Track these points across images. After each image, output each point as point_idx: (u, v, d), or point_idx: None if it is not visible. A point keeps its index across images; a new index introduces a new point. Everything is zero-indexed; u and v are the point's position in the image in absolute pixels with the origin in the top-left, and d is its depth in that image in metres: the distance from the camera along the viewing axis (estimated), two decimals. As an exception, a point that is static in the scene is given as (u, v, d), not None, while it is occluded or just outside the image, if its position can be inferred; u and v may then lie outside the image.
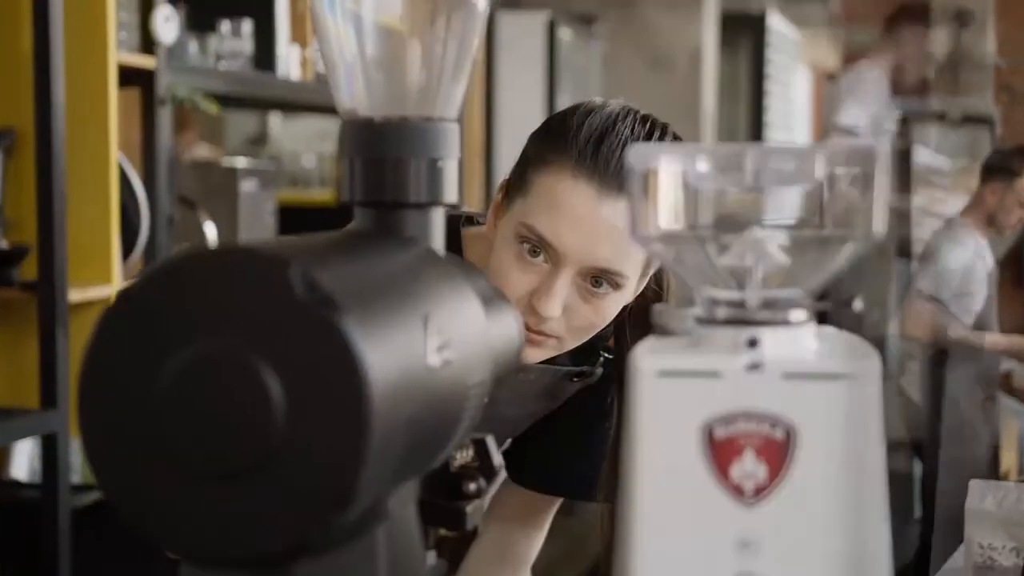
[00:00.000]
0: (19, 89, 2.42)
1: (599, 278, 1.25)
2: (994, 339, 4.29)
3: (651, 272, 1.33)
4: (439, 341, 0.71)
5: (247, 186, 3.04)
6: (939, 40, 9.55)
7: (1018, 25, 9.97)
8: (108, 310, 0.64)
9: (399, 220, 0.82)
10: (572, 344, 1.30)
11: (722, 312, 0.71)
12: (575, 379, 1.43)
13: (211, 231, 2.91)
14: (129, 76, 2.63)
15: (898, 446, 4.10)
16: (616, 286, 1.26)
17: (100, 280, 2.50)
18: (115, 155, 2.50)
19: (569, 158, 1.24)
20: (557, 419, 1.47)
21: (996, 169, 4.14)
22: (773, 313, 0.71)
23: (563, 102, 6.01)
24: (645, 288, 1.35)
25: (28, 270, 2.40)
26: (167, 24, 2.65)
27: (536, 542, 1.60)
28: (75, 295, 2.42)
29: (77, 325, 2.44)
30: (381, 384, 0.62)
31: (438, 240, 0.84)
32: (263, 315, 0.62)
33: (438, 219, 0.84)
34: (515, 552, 1.59)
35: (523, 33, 4.81)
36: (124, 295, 0.63)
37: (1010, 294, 9.95)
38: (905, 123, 4.57)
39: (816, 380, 0.68)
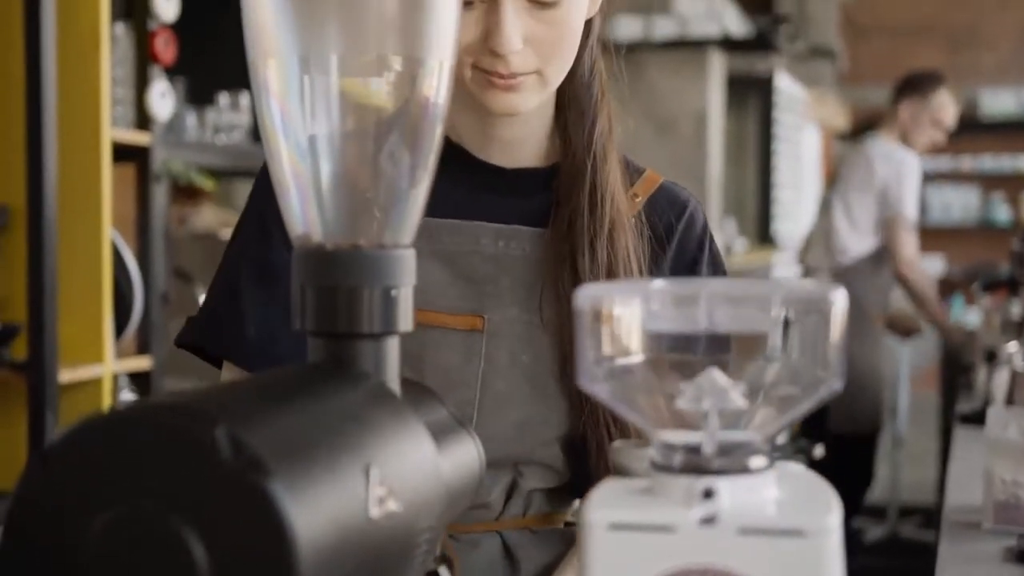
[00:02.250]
0: (12, 166, 2.41)
1: None
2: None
3: None
4: (382, 491, 0.68)
5: (245, 258, 3.01)
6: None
7: None
8: (29, 470, 0.61)
9: (352, 351, 0.80)
10: (556, 75, 1.19)
11: (678, 459, 0.68)
12: None
13: (207, 305, 2.89)
14: (124, 152, 2.62)
15: None
16: None
17: (92, 359, 2.48)
18: (108, 232, 2.49)
19: None
20: None
21: (911, 88, 4.38)
22: (731, 460, 0.68)
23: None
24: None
25: (18, 349, 2.38)
26: (163, 100, 2.64)
27: None
28: (66, 375, 2.40)
29: (68, 406, 2.42)
30: (312, 548, 0.60)
31: (392, 370, 0.81)
32: (188, 477, 0.60)
33: (393, 349, 0.81)
34: None
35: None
36: (44, 455, 0.61)
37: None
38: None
39: (773, 536, 0.65)
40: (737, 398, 0.69)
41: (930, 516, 5.20)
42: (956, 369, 4.83)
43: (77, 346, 2.48)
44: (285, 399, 0.70)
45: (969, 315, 8.49)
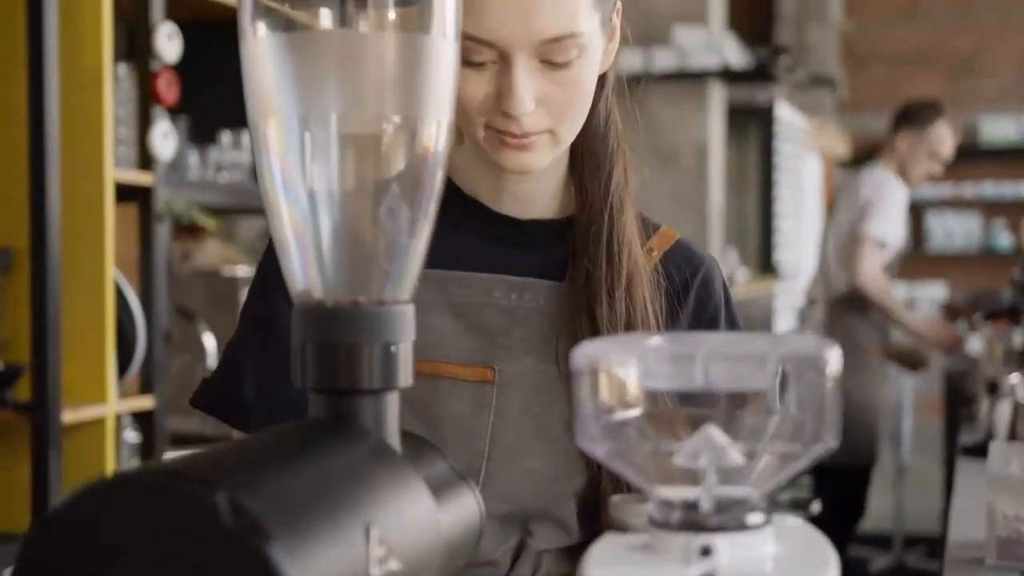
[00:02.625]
0: (16, 207, 2.42)
1: (555, 50, 1.12)
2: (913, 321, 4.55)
3: (615, 15, 1.22)
4: (383, 551, 0.69)
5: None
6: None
7: None
8: (31, 533, 0.62)
9: (353, 407, 0.81)
10: (568, 133, 1.18)
11: (675, 516, 0.69)
12: None
13: (210, 343, 2.90)
14: (127, 192, 2.63)
15: None
16: (578, 49, 1.13)
17: (95, 400, 2.48)
18: (111, 273, 2.50)
19: None
20: None
21: (908, 119, 4.39)
22: (728, 517, 0.68)
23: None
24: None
25: (22, 390, 2.39)
26: (165, 140, 2.66)
27: None
28: (69, 416, 2.40)
29: (71, 446, 2.42)
30: (313, 611, 0.60)
31: (392, 425, 0.82)
32: (189, 542, 0.60)
33: (393, 404, 0.82)
34: None
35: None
36: (47, 519, 0.61)
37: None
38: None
39: (771, 594, 0.65)
40: (734, 455, 0.69)
41: (935, 545, 5.19)
42: (959, 398, 4.82)
43: (80, 386, 2.48)
44: (285, 459, 0.70)
45: (972, 342, 8.48)
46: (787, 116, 7.55)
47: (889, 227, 4.30)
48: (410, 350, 0.83)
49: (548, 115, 1.15)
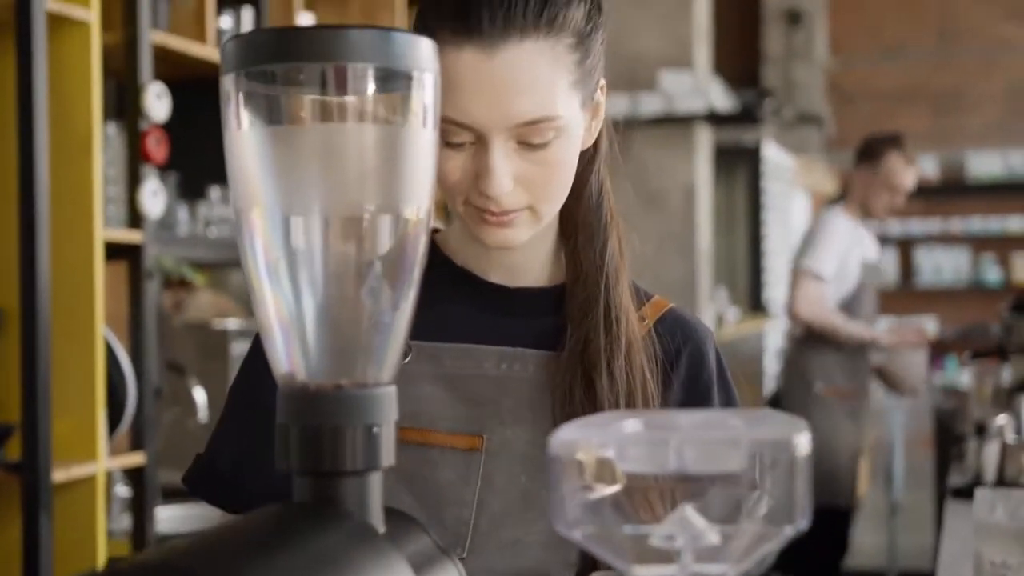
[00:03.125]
0: (5, 267, 2.44)
1: (532, 133, 1.13)
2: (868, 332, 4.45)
3: (599, 92, 1.22)
4: (365, 635, 0.70)
5: (238, 348, 3.05)
6: (772, 39, 9.69)
7: (849, 26, 10.12)
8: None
9: (336, 488, 0.82)
10: (549, 210, 1.18)
11: (652, 597, 0.71)
12: None
13: (200, 397, 2.91)
14: (117, 250, 2.65)
15: None
16: (555, 131, 1.14)
17: (85, 458, 2.49)
18: (101, 331, 2.51)
19: (445, 30, 1.12)
20: None
21: (863, 155, 4.41)
22: (704, 597, 0.70)
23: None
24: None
25: (12, 449, 2.39)
26: (154, 198, 2.68)
27: None
28: (60, 474, 2.41)
29: (62, 505, 2.43)
30: None
31: (375, 505, 0.83)
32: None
33: (376, 484, 0.84)
34: None
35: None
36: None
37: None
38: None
39: (745, 674, 0.67)
40: (711, 535, 0.71)
41: (929, 584, 5.18)
42: (949, 436, 4.82)
43: (71, 445, 2.49)
44: (269, 545, 0.72)
45: (962, 376, 8.50)
46: (774, 156, 7.60)
47: (826, 260, 4.30)
48: (392, 430, 0.84)
49: (527, 193, 1.16)
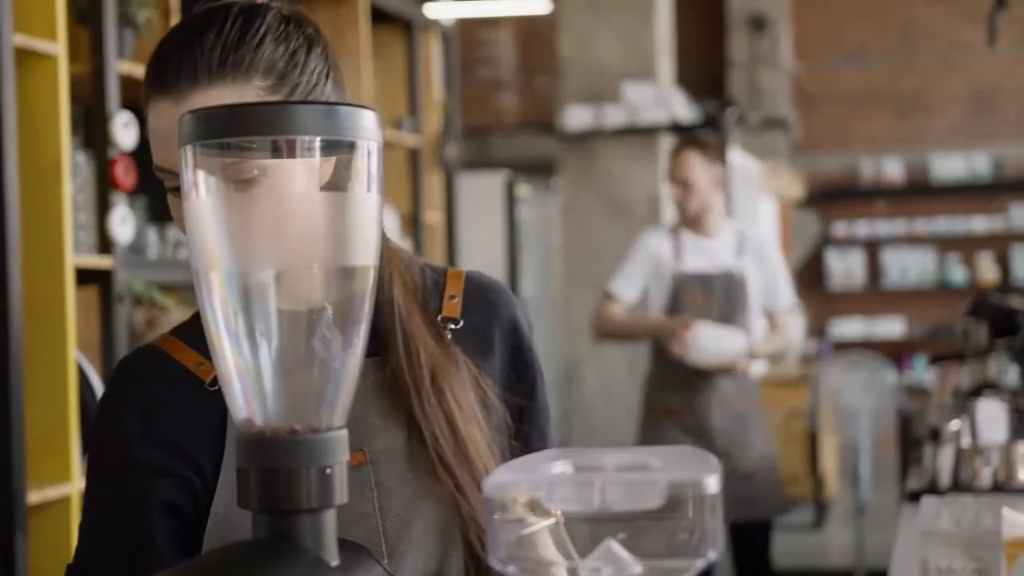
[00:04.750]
0: (-22, 294, 2.49)
1: (237, 173, 1.10)
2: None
3: None
4: (318, 665, 0.77)
5: (208, 367, 3.10)
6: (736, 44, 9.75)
7: (812, 31, 10.27)
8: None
9: (292, 526, 0.89)
10: None
11: (578, 625, 0.78)
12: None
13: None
14: (87, 275, 2.71)
15: None
16: (261, 170, 1.10)
17: (59, 479, 2.55)
18: (73, 355, 2.57)
19: (151, 89, 1.21)
20: None
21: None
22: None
23: (524, 256, 6.14)
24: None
25: (-14, 473, 2.45)
26: (123, 225, 2.74)
27: None
28: (34, 496, 2.47)
29: (36, 526, 2.48)
30: None
31: (330, 539, 0.90)
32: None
33: (330, 520, 0.90)
34: None
35: (483, 191, 4.94)
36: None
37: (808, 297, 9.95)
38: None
39: None
40: (633, 566, 0.78)
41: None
42: (912, 436, 4.89)
43: (44, 467, 2.55)
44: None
45: (929, 375, 8.60)
46: (739, 162, 7.69)
47: (622, 281, 4.12)
48: (345, 469, 0.91)
49: None
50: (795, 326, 4.27)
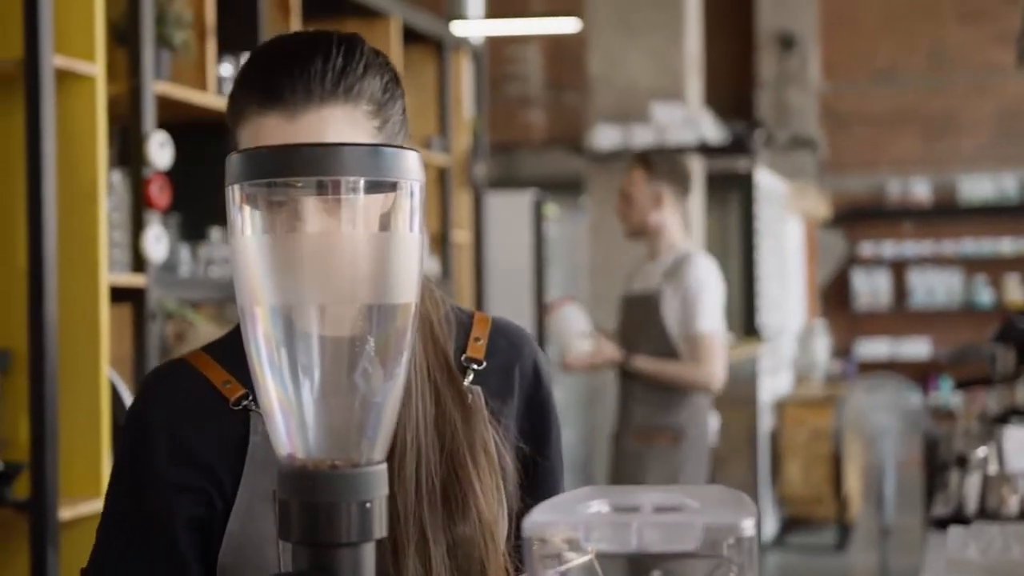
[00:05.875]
0: (14, 311, 2.52)
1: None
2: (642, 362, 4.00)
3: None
4: None
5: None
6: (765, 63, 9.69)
7: (841, 51, 10.23)
8: None
9: (332, 559, 0.91)
10: None
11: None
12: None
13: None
14: (121, 293, 2.74)
15: None
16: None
17: (92, 496, 2.58)
18: (106, 372, 2.60)
19: (252, 103, 1.21)
20: None
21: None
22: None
23: (551, 273, 6.16)
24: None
25: (20, 488, 2.47)
26: (157, 243, 2.77)
27: None
28: (66, 512, 2.49)
29: (68, 543, 2.50)
30: None
31: (368, 572, 0.92)
32: None
33: (369, 554, 0.92)
34: None
35: (511, 210, 4.96)
36: None
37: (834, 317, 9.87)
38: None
39: None
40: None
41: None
42: (938, 459, 4.85)
43: (77, 483, 2.57)
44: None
45: (955, 397, 8.56)
46: (767, 182, 7.69)
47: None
48: (384, 503, 0.93)
49: None
50: (717, 360, 3.99)
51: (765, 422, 7.31)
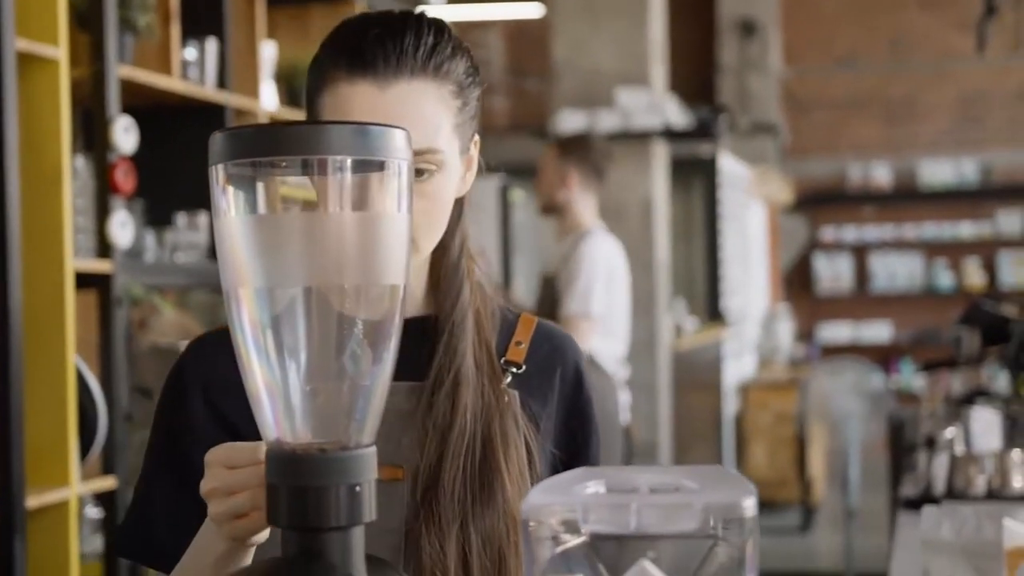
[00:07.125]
0: (-22, 298, 2.49)
1: (417, 162, 1.18)
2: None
3: (473, 146, 1.30)
4: None
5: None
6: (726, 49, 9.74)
7: (802, 37, 10.29)
8: None
9: (321, 543, 0.90)
10: (427, 244, 1.25)
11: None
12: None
13: (169, 421, 2.95)
14: (86, 279, 2.71)
15: None
16: (437, 165, 1.22)
17: (58, 483, 2.55)
18: (72, 359, 2.56)
19: (341, 68, 1.22)
20: None
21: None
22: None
23: (518, 261, 6.15)
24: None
25: (-14, 477, 2.44)
26: (123, 229, 2.73)
27: None
28: (33, 500, 2.46)
29: (35, 529, 2.48)
30: None
31: (358, 556, 0.91)
32: None
33: (358, 537, 0.91)
34: None
35: (477, 196, 4.92)
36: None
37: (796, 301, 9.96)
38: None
39: None
40: (664, 586, 0.79)
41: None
42: (902, 441, 4.87)
43: (44, 471, 2.54)
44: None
45: (917, 380, 8.61)
46: (730, 167, 7.71)
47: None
48: (373, 486, 0.92)
49: None
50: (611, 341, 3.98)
51: (729, 405, 7.34)
